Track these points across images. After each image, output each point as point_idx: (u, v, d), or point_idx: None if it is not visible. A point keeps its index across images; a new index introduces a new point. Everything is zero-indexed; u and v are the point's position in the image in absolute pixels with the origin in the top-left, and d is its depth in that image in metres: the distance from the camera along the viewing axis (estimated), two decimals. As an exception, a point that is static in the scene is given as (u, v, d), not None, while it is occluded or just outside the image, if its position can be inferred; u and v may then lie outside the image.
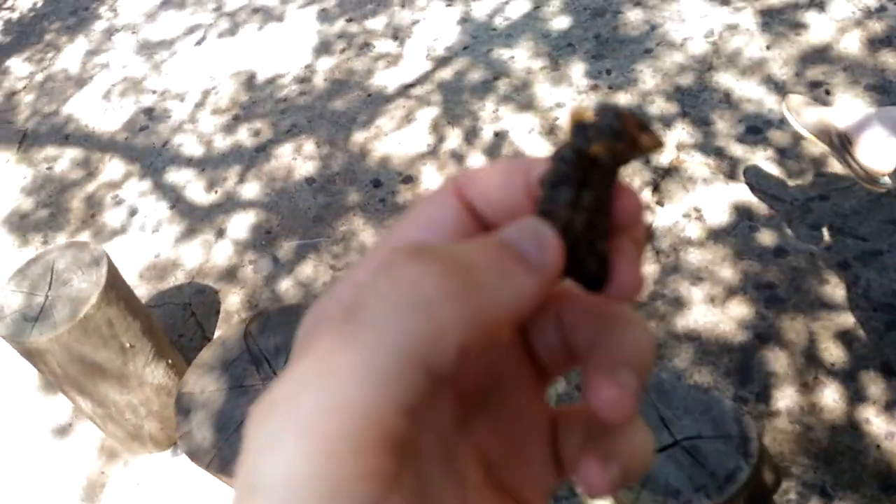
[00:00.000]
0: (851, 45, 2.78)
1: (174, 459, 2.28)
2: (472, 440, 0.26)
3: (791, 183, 2.46)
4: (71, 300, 1.91)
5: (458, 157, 2.89)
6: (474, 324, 0.21)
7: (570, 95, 2.97)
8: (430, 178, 2.83)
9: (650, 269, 2.36)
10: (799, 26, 2.91)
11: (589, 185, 0.24)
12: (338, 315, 0.21)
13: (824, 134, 1.94)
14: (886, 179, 1.86)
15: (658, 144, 0.24)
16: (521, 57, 3.21)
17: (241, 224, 2.90)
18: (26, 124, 3.70)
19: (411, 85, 3.25)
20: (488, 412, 0.27)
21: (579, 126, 0.24)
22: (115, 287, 1.98)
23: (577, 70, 3.06)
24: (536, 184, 0.25)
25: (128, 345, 2.02)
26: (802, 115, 2.02)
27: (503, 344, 0.27)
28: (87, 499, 2.26)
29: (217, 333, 2.54)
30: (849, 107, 2.08)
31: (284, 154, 3.12)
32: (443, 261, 0.21)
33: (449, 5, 3.59)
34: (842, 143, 1.87)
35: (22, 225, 3.16)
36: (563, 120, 2.84)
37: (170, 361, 2.19)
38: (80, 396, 2.10)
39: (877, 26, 2.81)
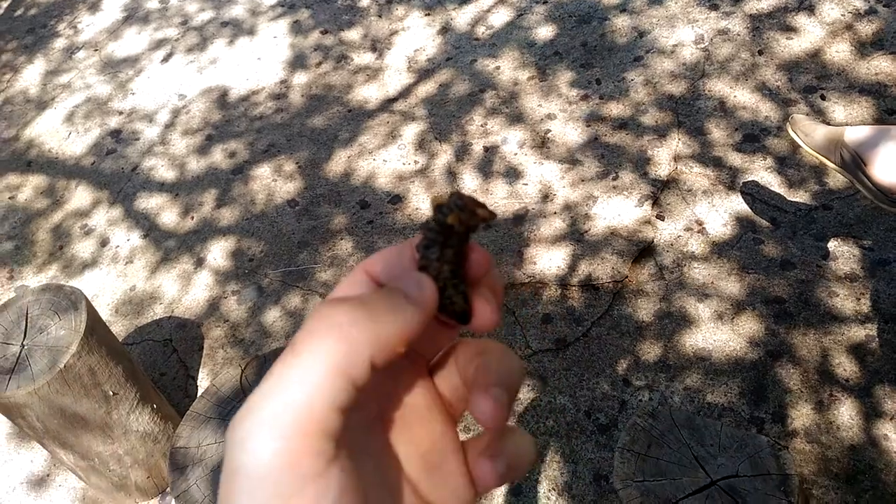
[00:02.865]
0: (843, 48, 2.73)
1: (163, 510, 2.14)
2: (401, 464, 0.33)
3: (792, 192, 2.40)
4: (49, 349, 1.76)
5: (449, 174, 2.76)
6: (377, 343, 0.28)
7: (560, 107, 2.87)
8: (419, 198, 2.71)
9: (656, 286, 2.28)
10: (790, 30, 2.85)
11: (449, 245, 0.32)
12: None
13: (834, 153, 1.85)
14: None
15: (491, 215, 0.33)
16: (506, 67, 3.10)
17: (220, 252, 2.74)
18: (-16, 150, 3.50)
19: (394, 99, 3.12)
20: (412, 440, 0.33)
21: (438, 206, 0.32)
22: (96, 332, 1.83)
23: (566, 80, 2.97)
24: (414, 249, 0.33)
25: (111, 392, 1.88)
26: (810, 135, 1.94)
27: (401, 362, 0.34)
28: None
29: (201, 371, 2.39)
30: (858, 124, 2.00)
31: (263, 176, 2.97)
32: (351, 301, 0.29)
33: (427, 14, 3.47)
34: (854, 161, 1.78)
35: (-16, 259, 2.97)
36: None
37: (154, 406, 2.05)
38: (60, 449, 1.95)
39: (867, 29, 2.77)
